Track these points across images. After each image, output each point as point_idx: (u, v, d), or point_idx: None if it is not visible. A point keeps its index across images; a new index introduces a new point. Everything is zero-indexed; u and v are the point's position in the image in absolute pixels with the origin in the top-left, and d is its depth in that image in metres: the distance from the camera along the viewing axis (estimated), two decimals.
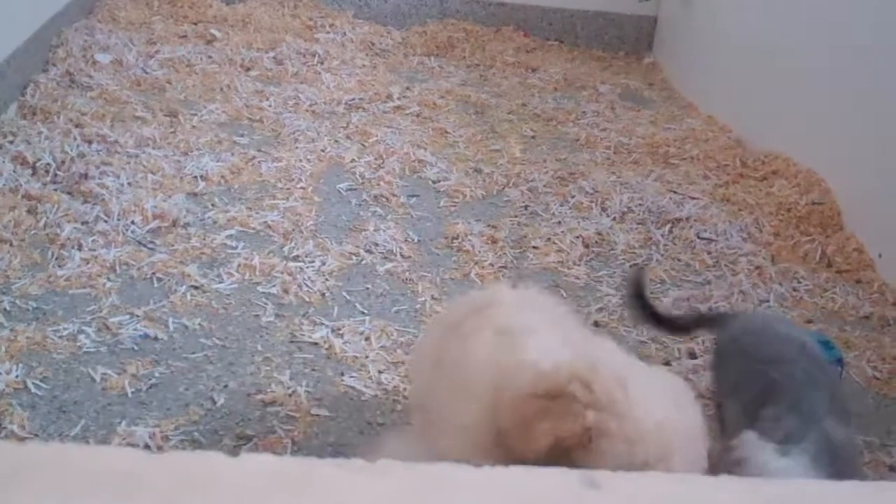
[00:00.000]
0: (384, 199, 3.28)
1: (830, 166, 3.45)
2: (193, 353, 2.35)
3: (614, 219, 3.28)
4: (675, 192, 3.49)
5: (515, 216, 3.27)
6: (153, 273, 2.65)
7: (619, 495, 0.65)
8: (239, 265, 2.74)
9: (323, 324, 2.53)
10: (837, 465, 1.53)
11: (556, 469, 0.67)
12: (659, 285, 2.93)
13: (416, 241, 3.04)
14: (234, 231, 2.93)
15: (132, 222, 2.87)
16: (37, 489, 0.59)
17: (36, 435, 2.02)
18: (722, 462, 1.58)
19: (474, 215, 3.26)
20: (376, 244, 2.96)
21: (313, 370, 2.34)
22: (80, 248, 2.71)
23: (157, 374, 2.25)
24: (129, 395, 2.17)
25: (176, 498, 0.59)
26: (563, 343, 1.42)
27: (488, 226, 3.17)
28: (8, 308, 2.42)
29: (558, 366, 1.30)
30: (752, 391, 1.82)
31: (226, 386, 2.24)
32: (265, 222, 2.99)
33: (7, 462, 0.62)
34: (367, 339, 2.48)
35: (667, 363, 2.52)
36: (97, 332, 2.37)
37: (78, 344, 2.31)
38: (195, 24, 4.90)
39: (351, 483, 0.63)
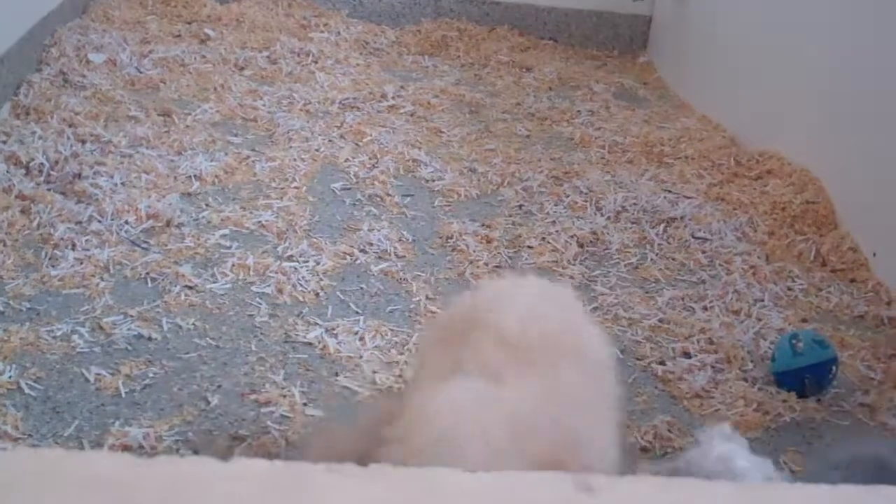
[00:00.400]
0: (378, 199, 3.27)
1: (824, 165, 3.46)
2: (187, 353, 2.34)
3: (609, 218, 3.28)
4: (669, 192, 3.49)
5: (510, 216, 3.27)
6: (147, 273, 2.64)
7: (613, 499, 0.65)
8: (233, 265, 2.73)
9: (317, 324, 2.52)
10: None
11: (550, 474, 0.66)
12: (654, 285, 2.93)
13: (410, 240, 3.03)
14: (228, 231, 2.93)
15: (126, 222, 2.86)
16: (28, 497, 0.58)
17: (29, 436, 2.02)
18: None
19: (469, 215, 3.25)
20: (371, 244, 2.95)
21: (307, 370, 2.33)
22: (73, 248, 2.70)
23: (150, 375, 2.24)
24: (123, 395, 2.16)
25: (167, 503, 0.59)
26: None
27: (483, 225, 3.17)
28: (1, 309, 2.41)
29: None
30: None
31: (220, 386, 2.24)
32: (259, 222, 2.99)
33: None
34: (361, 338, 2.47)
35: (661, 363, 2.52)
36: (91, 333, 2.36)
37: (71, 344, 2.30)
38: (189, 23, 4.89)
39: (343, 488, 0.63)
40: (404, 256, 2.93)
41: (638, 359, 2.54)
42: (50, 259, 2.64)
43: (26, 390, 2.13)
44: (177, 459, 0.64)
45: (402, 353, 2.42)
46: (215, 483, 0.61)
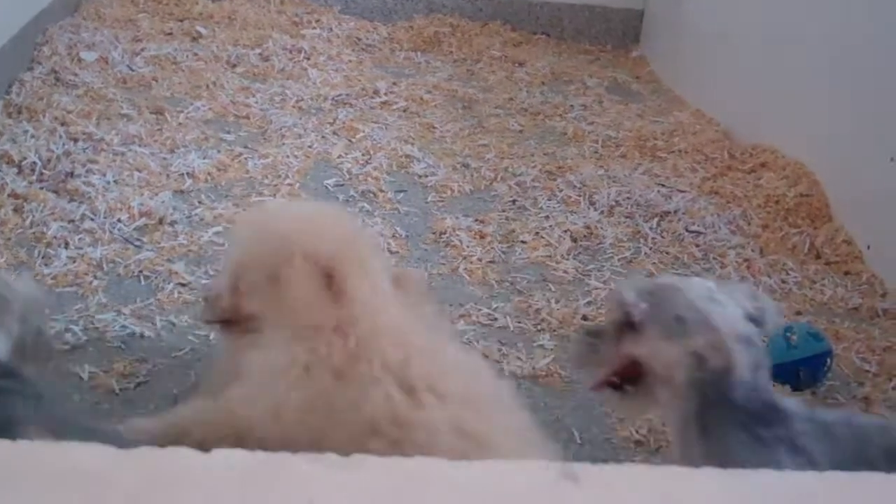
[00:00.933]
0: (371, 195, 3.27)
1: (818, 158, 3.45)
2: (181, 350, 2.34)
3: (602, 212, 3.28)
4: (663, 186, 3.49)
5: (503, 211, 3.26)
6: (140, 271, 2.64)
7: (598, 488, 0.65)
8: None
9: None
10: None
11: (534, 462, 0.66)
12: (648, 278, 2.92)
13: (403, 236, 3.03)
14: (221, 228, 2.92)
15: (119, 220, 2.86)
16: (4, 489, 0.58)
17: None
18: None
19: (462, 210, 3.25)
20: None
21: None
22: (66, 246, 2.70)
23: (144, 372, 2.23)
24: (117, 392, 2.16)
25: (146, 495, 0.58)
26: None
27: (476, 220, 3.17)
28: None
29: None
30: None
31: None
32: None
33: None
34: None
35: None
36: (84, 331, 2.35)
37: (65, 342, 2.30)
38: (181, 21, 4.88)
39: (324, 478, 0.63)
40: (398, 252, 2.93)
41: None
42: (43, 257, 2.64)
43: None
44: (156, 451, 0.64)
45: None
46: (195, 474, 0.61)
